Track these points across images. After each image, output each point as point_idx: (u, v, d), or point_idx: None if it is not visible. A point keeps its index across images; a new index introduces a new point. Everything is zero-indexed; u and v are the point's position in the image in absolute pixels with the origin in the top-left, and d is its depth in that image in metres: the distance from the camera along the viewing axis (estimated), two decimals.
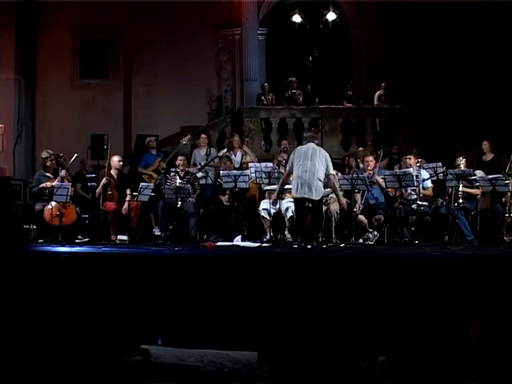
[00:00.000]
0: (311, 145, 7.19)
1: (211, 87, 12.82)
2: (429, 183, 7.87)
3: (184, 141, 9.17)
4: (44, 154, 8.41)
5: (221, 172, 7.99)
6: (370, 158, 8.07)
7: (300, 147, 7.35)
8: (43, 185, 8.05)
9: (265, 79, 12.29)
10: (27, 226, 8.40)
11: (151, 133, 10.05)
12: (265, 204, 8.05)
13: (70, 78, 13.06)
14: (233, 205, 8.17)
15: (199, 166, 8.50)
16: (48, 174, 8.21)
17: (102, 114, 12.45)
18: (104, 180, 8.11)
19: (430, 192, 7.87)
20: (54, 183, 7.88)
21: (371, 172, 7.90)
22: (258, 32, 12.92)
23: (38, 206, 8.04)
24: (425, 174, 7.86)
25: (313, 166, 6.97)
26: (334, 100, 11.54)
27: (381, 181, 7.74)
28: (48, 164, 8.29)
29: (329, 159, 7.16)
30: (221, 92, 12.80)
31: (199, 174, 8.47)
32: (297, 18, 12.59)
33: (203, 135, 9.24)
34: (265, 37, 13.03)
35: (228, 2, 12.71)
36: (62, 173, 8.01)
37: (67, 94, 12.89)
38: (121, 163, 8.37)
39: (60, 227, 7.68)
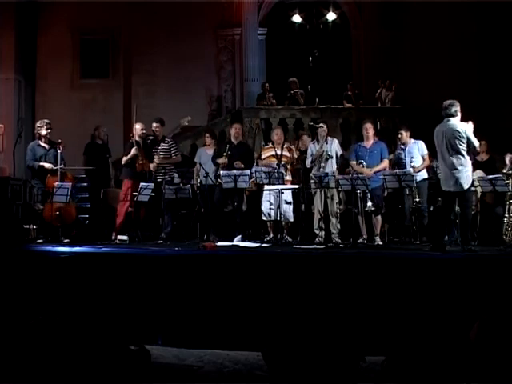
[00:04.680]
0: (449, 122, 6.34)
1: (211, 87, 12.84)
2: (425, 150, 7.89)
3: (184, 121, 9.18)
4: (40, 123, 8.18)
5: (221, 172, 7.99)
6: (369, 125, 8.03)
7: (436, 128, 6.50)
8: (45, 165, 7.85)
9: (265, 79, 12.30)
10: (27, 226, 8.38)
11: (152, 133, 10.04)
12: (265, 205, 8.06)
13: (70, 77, 13.09)
14: (226, 205, 8.19)
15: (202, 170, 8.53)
16: (43, 144, 8.03)
17: (102, 113, 12.45)
18: (134, 150, 7.91)
19: (427, 162, 7.90)
20: (54, 184, 7.82)
21: (370, 141, 7.90)
22: (258, 32, 12.94)
23: (39, 205, 8.02)
24: (417, 147, 7.93)
25: (448, 151, 6.26)
26: (334, 100, 11.54)
27: (370, 172, 7.68)
28: (44, 133, 8.05)
29: (470, 133, 6.29)
30: (221, 92, 12.82)
31: (202, 172, 8.51)
32: (297, 18, 12.62)
33: (206, 134, 9.22)
34: (265, 37, 13.06)
35: (228, 2, 12.73)
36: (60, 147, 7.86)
37: (67, 94, 12.91)
38: (144, 131, 8.24)
39: (60, 226, 7.68)
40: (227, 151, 8.00)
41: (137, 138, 8.15)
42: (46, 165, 7.89)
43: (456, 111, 6.33)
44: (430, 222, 7.87)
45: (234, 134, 8.37)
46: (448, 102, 6.42)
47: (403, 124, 8.48)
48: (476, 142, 6.30)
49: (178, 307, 5.53)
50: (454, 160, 6.23)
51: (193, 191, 8.38)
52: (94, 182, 8.50)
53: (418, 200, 7.72)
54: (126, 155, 8.03)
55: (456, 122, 6.32)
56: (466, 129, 6.28)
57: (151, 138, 8.48)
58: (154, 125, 8.45)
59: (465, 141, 6.22)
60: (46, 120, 8.25)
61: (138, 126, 8.23)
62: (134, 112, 8.42)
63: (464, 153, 6.25)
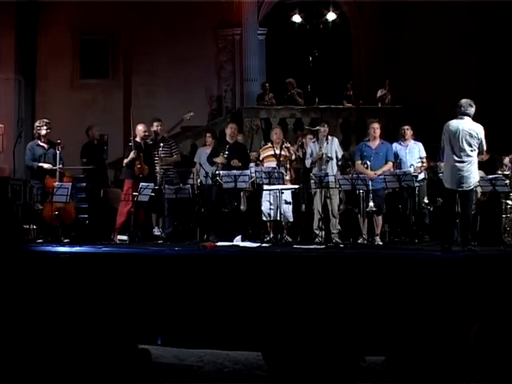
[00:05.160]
0: (464, 120, 6.33)
1: (211, 87, 12.84)
2: (424, 152, 7.93)
3: (187, 116, 9.19)
4: (39, 123, 8.16)
5: (221, 172, 7.99)
6: (376, 125, 8.00)
7: (450, 124, 6.42)
8: (44, 165, 7.83)
9: (265, 79, 12.29)
10: (27, 226, 8.38)
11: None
12: (265, 205, 8.06)
13: (70, 77, 13.09)
14: (224, 204, 8.19)
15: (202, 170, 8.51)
16: (42, 144, 8.02)
17: (102, 113, 12.45)
18: (132, 154, 7.89)
19: (426, 165, 7.89)
20: (54, 184, 7.82)
21: (376, 142, 7.88)
22: (258, 32, 12.94)
23: (38, 205, 8.02)
24: (418, 148, 7.94)
25: (461, 148, 6.25)
26: (334, 100, 11.53)
27: (373, 175, 7.66)
28: (43, 132, 8.02)
29: (483, 135, 6.32)
30: (221, 92, 12.81)
31: (202, 172, 8.51)
32: (297, 18, 12.61)
33: (208, 134, 9.23)
34: (265, 37, 13.05)
35: (228, 2, 12.72)
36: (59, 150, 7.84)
37: (67, 94, 12.91)
38: (146, 133, 8.24)
39: (60, 226, 7.68)
40: (225, 151, 8.00)
41: (138, 140, 8.13)
42: (45, 165, 7.87)
43: (473, 112, 6.37)
44: (432, 221, 7.87)
45: (229, 134, 8.36)
46: (468, 101, 6.40)
47: (405, 123, 8.46)
48: (485, 146, 6.36)
49: (177, 307, 5.53)
50: (465, 158, 6.28)
51: (193, 191, 8.39)
52: (92, 182, 8.50)
53: (425, 201, 7.73)
54: (126, 158, 8.04)
55: (471, 121, 6.35)
56: (481, 130, 6.34)
57: (151, 138, 8.46)
58: (156, 124, 8.46)
59: (477, 141, 6.28)
60: (45, 120, 8.24)
61: (140, 127, 8.20)
62: (131, 115, 8.40)
63: (475, 153, 6.31)
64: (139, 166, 7.91)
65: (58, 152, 7.83)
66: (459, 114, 6.37)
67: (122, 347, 4.14)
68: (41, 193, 7.98)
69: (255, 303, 5.37)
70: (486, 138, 6.29)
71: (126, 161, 8.02)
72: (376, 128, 7.90)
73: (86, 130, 8.72)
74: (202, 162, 8.53)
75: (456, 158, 6.30)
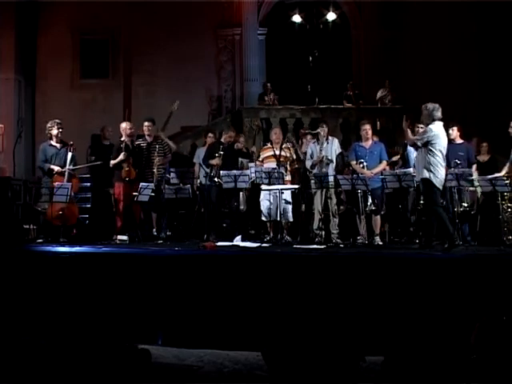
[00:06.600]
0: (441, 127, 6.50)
1: (211, 87, 12.85)
2: None
3: (175, 107, 9.16)
4: (50, 123, 8.16)
5: (221, 172, 7.99)
6: (367, 126, 7.93)
7: (442, 130, 6.55)
8: (55, 168, 7.86)
9: (265, 79, 12.31)
10: (27, 226, 8.38)
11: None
12: (265, 205, 8.05)
13: (70, 77, 13.11)
14: (225, 205, 8.18)
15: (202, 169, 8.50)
16: (55, 144, 8.04)
17: (102, 113, 12.45)
18: (121, 156, 7.78)
19: None
20: (55, 184, 7.80)
21: (369, 142, 7.84)
22: (258, 32, 12.96)
23: (44, 205, 8.01)
24: None
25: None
26: (334, 100, 11.55)
27: (370, 174, 7.65)
28: (55, 132, 8.04)
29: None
30: (221, 92, 12.83)
31: (202, 172, 8.49)
32: (297, 18, 12.64)
33: (210, 134, 9.20)
34: (265, 37, 13.07)
35: (228, 2, 12.74)
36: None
37: (67, 94, 12.92)
38: (132, 130, 8.11)
39: (62, 226, 7.68)
40: (220, 152, 7.98)
41: (126, 138, 8.02)
42: (55, 168, 7.90)
43: None
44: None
45: (227, 142, 8.30)
46: (437, 104, 6.55)
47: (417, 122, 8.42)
48: None
49: (178, 307, 5.53)
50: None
51: (193, 191, 8.39)
52: (97, 181, 8.49)
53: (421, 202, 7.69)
54: (114, 159, 7.90)
55: None
56: None
57: (144, 139, 8.38)
58: (146, 124, 8.32)
59: None
60: (56, 120, 8.27)
61: (124, 125, 8.09)
62: (126, 114, 8.38)
63: None
64: (127, 169, 7.80)
65: (69, 153, 7.90)
66: (438, 118, 6.45)
67: (122, 347, 4.14)
68: (49, 192, 7.98)
69: (255, 303, 5.37)
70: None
71: (113, 162, 7.89)
72: (368, 129, 7.89)
73: (101, 129, 8.88)
74: (202, 162, 8.53)
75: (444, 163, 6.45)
